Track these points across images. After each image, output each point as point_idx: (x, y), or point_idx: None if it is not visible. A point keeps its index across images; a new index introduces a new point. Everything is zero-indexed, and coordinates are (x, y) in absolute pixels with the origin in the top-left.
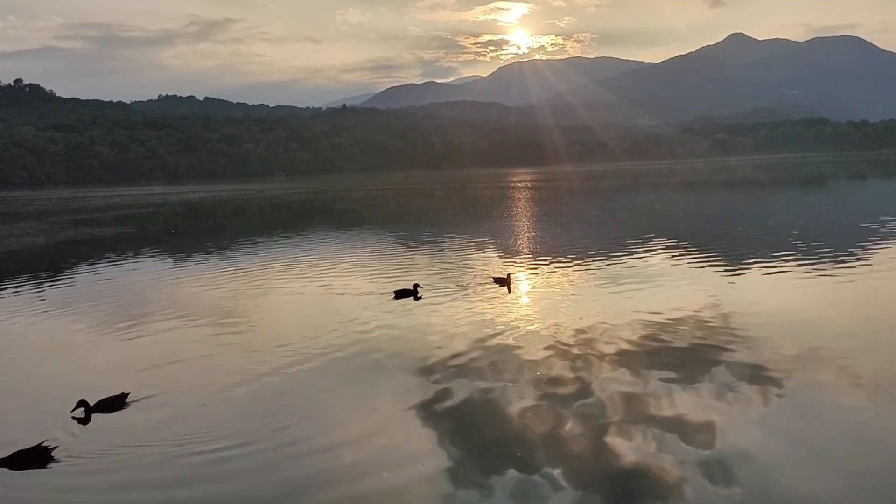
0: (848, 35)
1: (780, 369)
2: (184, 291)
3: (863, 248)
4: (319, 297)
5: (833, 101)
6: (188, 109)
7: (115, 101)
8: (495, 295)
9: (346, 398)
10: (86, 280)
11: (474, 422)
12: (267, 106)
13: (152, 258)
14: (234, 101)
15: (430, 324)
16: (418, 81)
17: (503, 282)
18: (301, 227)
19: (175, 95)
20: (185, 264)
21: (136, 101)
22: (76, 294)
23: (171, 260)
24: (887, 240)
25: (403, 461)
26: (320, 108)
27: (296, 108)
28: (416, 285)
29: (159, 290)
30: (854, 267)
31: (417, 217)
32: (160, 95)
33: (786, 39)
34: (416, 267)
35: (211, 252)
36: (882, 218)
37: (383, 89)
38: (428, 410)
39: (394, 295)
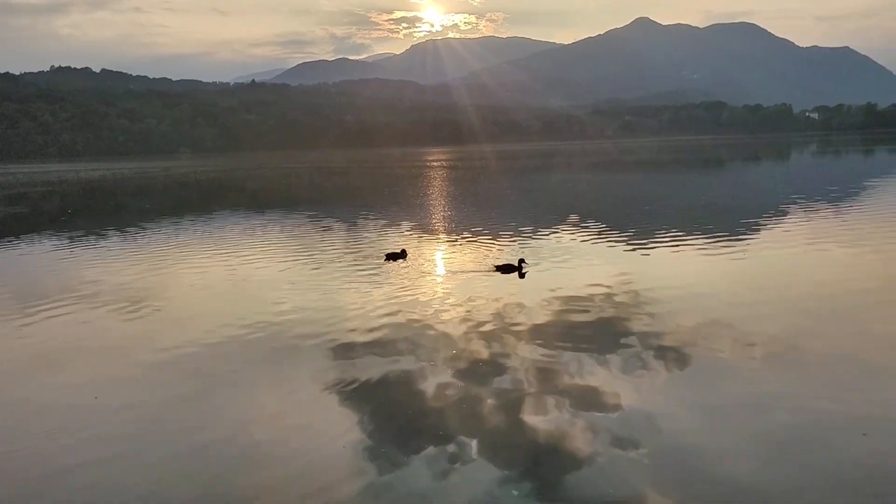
0: (745, 22)
1: (684, 340)
2: (83, 275)
3: (757, 225)
4: (230, 279)
5: (731, 85)
6: (83, 82)
7: (2, 72)
8: (412, 274)
9: (260, 381)
10: None
11: (391, 400)
12: (170, 80)
13: (48, 240)
14: (134, 74)
15: (345, 303)
16: (331, 58)
17: (397, 256)
18: (209, 206)
19: (69, 67)
20: (84, 246)
21: (26, 73)
22: None
23: (68, 242)
24: (779, 217)
25: (320, 442)
26: (228, 83)
27: (201, 82)
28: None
29: (56, 273)
30: (749, 242)
31: (332, 196)
32: (52, 67)
33: (688, 25)
34: (331, 247)
35: (113, 233)
36: (774, 197)
37: (294, 65)
38: (344, 390)
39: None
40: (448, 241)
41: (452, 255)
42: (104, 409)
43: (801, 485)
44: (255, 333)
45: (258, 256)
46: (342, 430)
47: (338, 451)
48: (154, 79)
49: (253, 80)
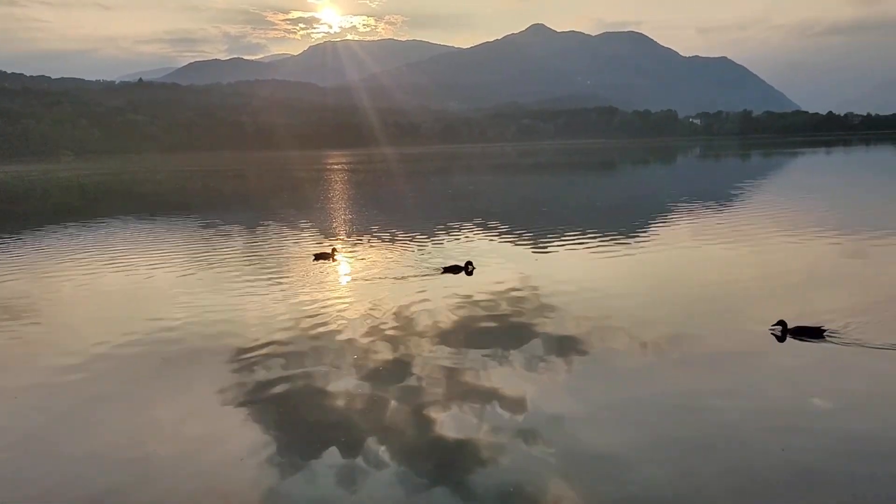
0: (633, 31)
1: (582, 338)
2: None
3: (648, 224)
4: (120, 288)
5: (622, 91)
6: None
7: None
8: (313, 278)
9: (155, 393)
10: None
11: (295, 408)
12: (49, 78)
13: None
14: (9, 72)
15: (246, 310)
16: (224, 57)
17: (327, 256)
18: (95, 212)
19: None
20: None
21: None
22: None
23: None
24: (667, 217)
25: (220, 454)
26: (113, 82)
27: (84, 80)
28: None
29: None
30: (642, 242)
31: (228, 201)
32: None
33: (581, 32)
34: (230, 252)
35: None
36: (662, 199)
37: (185, 64)
38: (245, 400)
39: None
40: (349, 245)
41: (355, 260)
42: None
43: (693, 473)
44: (148, 344)
45: (151, 264)
46: (243, 440)
47: (238, 462)
48: (31, 76)
49: (140, 78)
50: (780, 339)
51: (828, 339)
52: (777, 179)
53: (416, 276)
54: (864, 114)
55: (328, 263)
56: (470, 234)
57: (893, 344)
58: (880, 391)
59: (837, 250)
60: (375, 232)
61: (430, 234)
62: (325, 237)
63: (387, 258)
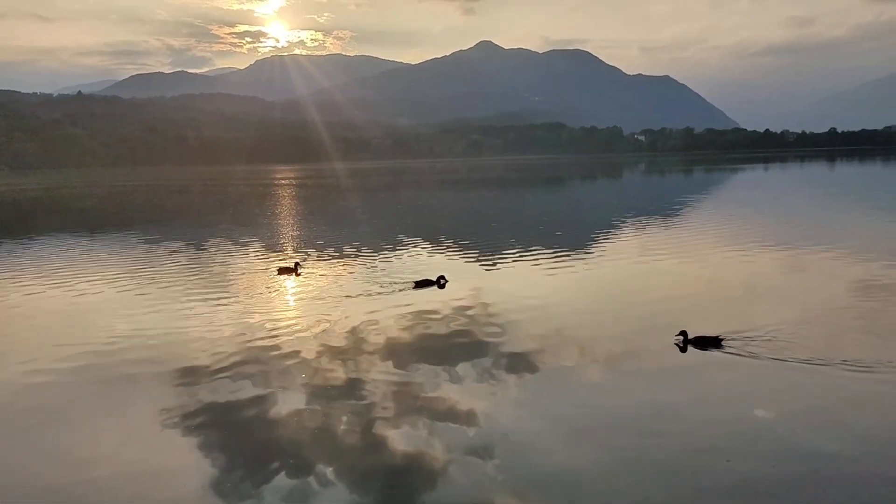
0: (579, 49)
1: (533, 352)
2: None
3: (595, 239)
4: (57, 308)
5: (569, 107)
6: None
7: None
8: (261, 295)
9: (94, 416)
10: None
11: (240, 429)
12: None
13: None
14: None
15: (190, 328)
16: (168, 70)
17: (290, 270)
18: (31, 229)
19: None
20: None
21: None
22: None
23: None
24: (614, 231)
25: (163, 478)
26: (51, 95)
27: (19, 93)
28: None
29: None
30: (589, 256)
31: (172, 216)
32: None
33: (528, 49)
34: (173, 270)
35: None
36: (609, 214)
37: (127, 77)
38: (188, 421)
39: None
40: (299, 261)
41: (306, 277)
42: None
43: (642, 485)
44: (85, 365)
45: (89, 283)
46: (185, 464)
47: (181, 487)
48: None
49: (80, 91)
50: (682, 349)
51: (725, 347)
52: (719, 195)
53: (365, 293)
54: (799, 131)
55: (280, 279)
56: (419, 251)
57: (821, 358)
58: (818, 404)
59: (776, 264)
60: (320, 248)
61: (379, 251)
62: (273, 253)
63: (335, 275)
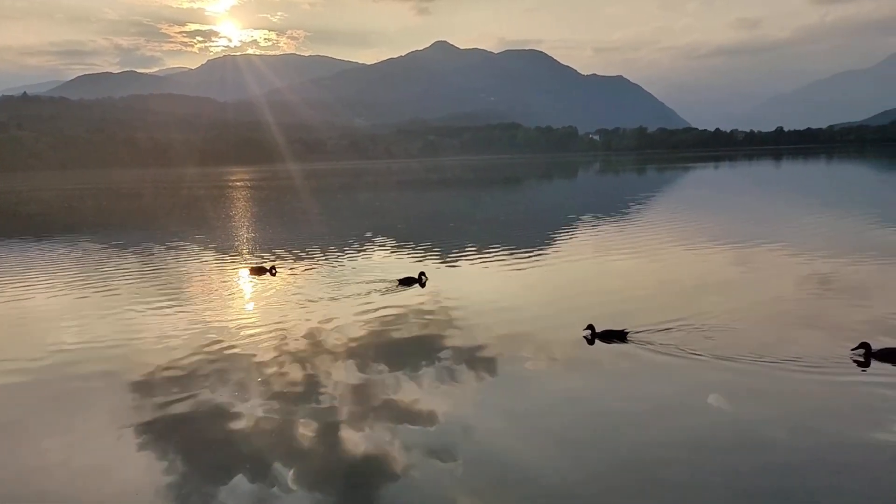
0: (534, 49)
1: (490, 351)
2: None
3: (551, 238)
4: (5, 313)
5: (524, 107)
6: None
7: None
8: (217, 299)
9: (46, 426)
10: None
11: (196, 434)
12: None
13: None
14: None
15: (143, 335)
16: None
17: (264, 271)
18: None
19: None
20: None
21: None
22: None
23: None
24: (570, 230)
25: (116, 487)
26: None
27: None
28: (422, 273)
29: None
30: (545, 255)
31: (122, 221)
32: None
33: (483, 50)
34: (126, 274)
35: None
36: (565, 213)
37: (74, 77)
38: (142, 428)
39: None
40: (253, 265)
41: (258, 280)
42: None
43: (598, 477)
44: (35, 373)
45: (37, 289)
46: (139, 471)
47: (134, 495)
48: None
49: (25, 92)
50: (590, 342)
51: (629, 340)
52: (671, 193)
53: (320, 295)
54: (748, 130)
55: (238, 281)
56: (377, 252)
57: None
58: (763, 389)
59: (726, 259)
60: (277, 251)
61: (338, 253)
62: (229, 256)
63: (290, 278)
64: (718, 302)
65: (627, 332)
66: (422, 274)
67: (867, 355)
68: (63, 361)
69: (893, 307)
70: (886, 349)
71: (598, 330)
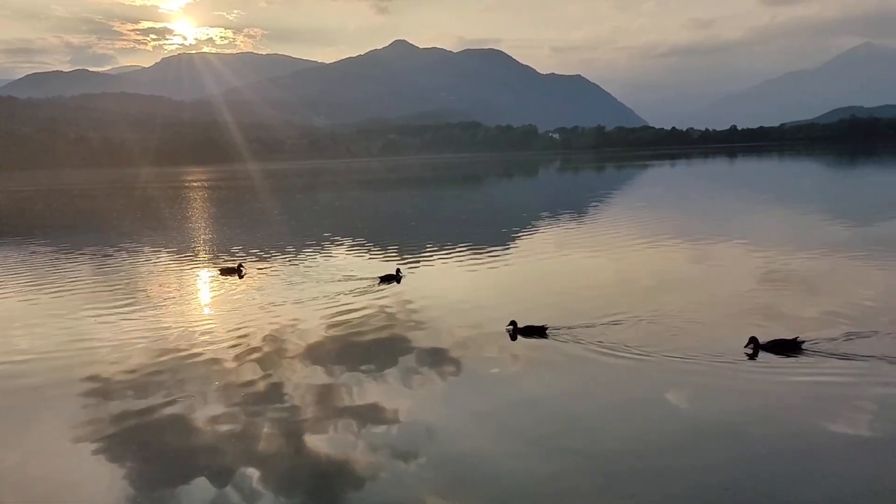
0: (493, 49)
1: (453, 350)
2: None
3: (513, 236)
4: None
5: (484, 106)
6: None
7: None
8: (172, 304)
9: (0, 436)
10: None
11: (155, 440)
12: None
13: None
14: None
15: (99, 338)
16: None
17: (233, 272)
18: None
19: None
20: None
21: None
22: None
23: None
24: (531, 228)
25: (73, 497)
26: None
27: None
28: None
29: None
30: (507, 253)
31: (75, 222)
32: None
33: (442, 49)
34: (78, 278)
35: None
36: (526, 211)
37: (23, 75)
38: (100, 435)
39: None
40: (213, 267)
41: (218, 282)
42: None
43: (561, 473)
44: None
45: None
46: (97, 480)
47: (92, 502)
48: None
49: None
50: (513, 337)
51: (550, 336)
52: (630, 190)
53: (283, 297)
54: (703, 129)
55: (194, 283)
56: (338, 252)
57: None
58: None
59: (684, 255)
60: (236, 253)
61: (299, 253)
62: (186, 258)
63: (252, 280)
64: (673, 299)
65: (547, 328)
66: (398, 270)
67: (755, 349)
68: (13, 372)
69: (840, 300)
70: (772, 342)
71: (520, 325)
